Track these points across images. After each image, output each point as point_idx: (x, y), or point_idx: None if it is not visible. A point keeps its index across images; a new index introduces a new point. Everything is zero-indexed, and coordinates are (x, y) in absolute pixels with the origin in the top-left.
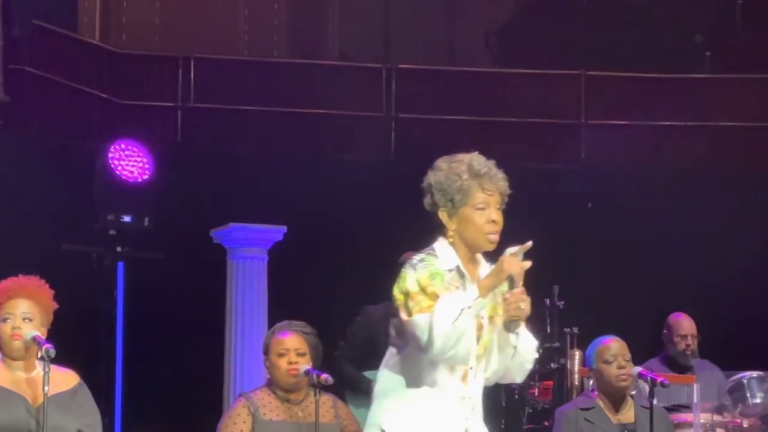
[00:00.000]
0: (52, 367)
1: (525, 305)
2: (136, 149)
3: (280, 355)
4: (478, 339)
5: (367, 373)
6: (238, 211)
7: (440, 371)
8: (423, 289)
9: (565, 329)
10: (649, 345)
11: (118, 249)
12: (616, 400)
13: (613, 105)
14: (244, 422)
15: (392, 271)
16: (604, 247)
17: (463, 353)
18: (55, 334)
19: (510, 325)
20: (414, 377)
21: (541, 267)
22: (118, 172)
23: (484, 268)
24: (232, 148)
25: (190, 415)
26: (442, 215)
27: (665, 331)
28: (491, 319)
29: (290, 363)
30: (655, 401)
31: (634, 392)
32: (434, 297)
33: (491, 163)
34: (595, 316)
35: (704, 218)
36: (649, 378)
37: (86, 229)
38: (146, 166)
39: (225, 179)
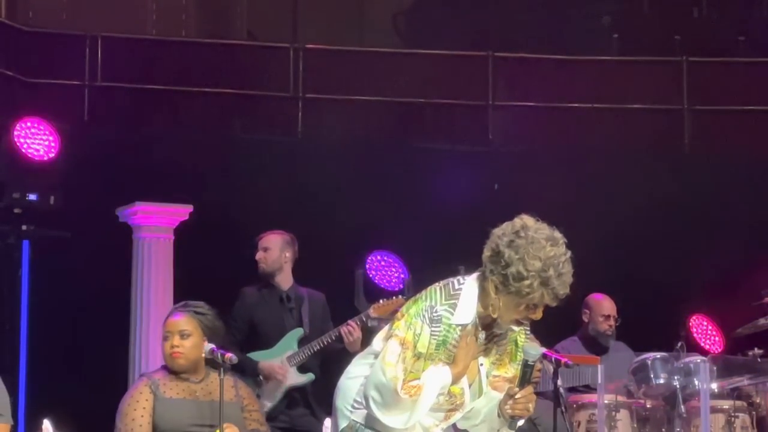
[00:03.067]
0: None
1: (532, 406)
2: (42, 127)
3: (165, 338)
4: (470, 384)
5: (252, 354)
6: (144, 190)
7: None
8: (420, 356)
9: None
10: (558, 325)
11: (23, 227)
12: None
13: (520, 87)
14: (147, 400)
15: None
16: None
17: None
18: None
19: (512, 422)
20: None
21: (448, 248)
22: (23, 151)
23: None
24: (138, 127)
25: (95, 394)
26: (491, 283)
27: (586, 311)
28: (489, 378)
29: (172, 346)
30: (560, 382)
31: None
32: (417, 373)
33: (567, 269)
34: None
35: (612, 199)
36: (553, 359)
37: None
38: (52, 144)
39: (131, 158)
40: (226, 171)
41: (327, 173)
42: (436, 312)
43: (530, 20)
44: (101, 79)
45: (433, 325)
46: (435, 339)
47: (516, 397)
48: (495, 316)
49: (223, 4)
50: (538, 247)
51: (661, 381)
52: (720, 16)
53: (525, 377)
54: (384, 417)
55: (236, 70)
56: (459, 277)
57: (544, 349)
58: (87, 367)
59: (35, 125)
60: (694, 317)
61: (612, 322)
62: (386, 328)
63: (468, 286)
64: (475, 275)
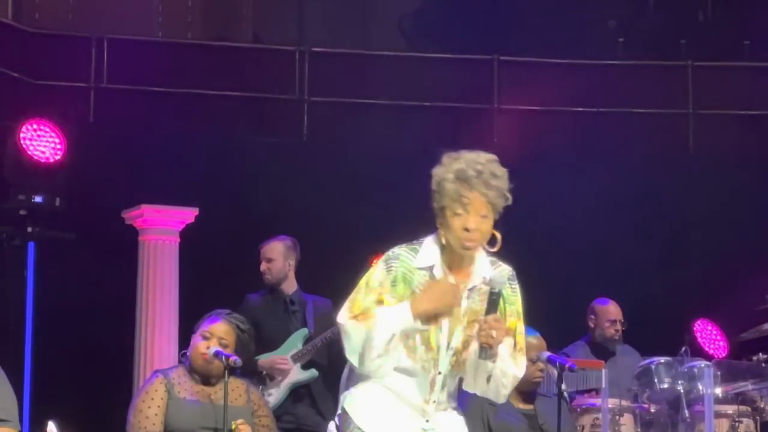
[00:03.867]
0: None
1: (497, 334)
2: (48, 129)
3: (204, 338)
4: (449, 345)
5: (257, 357)
6: (150, 193)
7: (408, 373)
8: (375, 290)
9: None
10: (562, 330)
11: (29, 229)
12: (525, 392)
13: (525, 90)
14: (162, 398)
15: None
16: (514, 232)
17: (385, 368)
18: None
19: (481, 352)
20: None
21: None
22: (29, 152)
23: (480, 269)
24: (144, 129)
25: (100, 396)
26: (435, 210)
27: (592, 317)
28: (467, 339)
29: (208, 348)
30: (565, 386)
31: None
32: (378, 304)
33: (488, 167)
34: None
35: (617, 203)
36: (557, 363)
37: None
38: (58, 146)
39: (137, 160)
40: (232, 174)
41: (332, 176)
42: (393, 252)
43: (536, 24)
44: (107, 81)
45: (390, 261)
46: (391, 273)
47: (479, 321)
48: (443, 239)
49: (229, 7)
50: (459, 153)
51: (665, 386)
52: (725, 20)
53: (491, 306)
54: (349, 354)
55: (242, 73)
56: None
57: (548, 353)
58: (92, 369)
59: (41, 127)
60: (698, 322)
61: (618, 326)
62: None
63: (428, 238)
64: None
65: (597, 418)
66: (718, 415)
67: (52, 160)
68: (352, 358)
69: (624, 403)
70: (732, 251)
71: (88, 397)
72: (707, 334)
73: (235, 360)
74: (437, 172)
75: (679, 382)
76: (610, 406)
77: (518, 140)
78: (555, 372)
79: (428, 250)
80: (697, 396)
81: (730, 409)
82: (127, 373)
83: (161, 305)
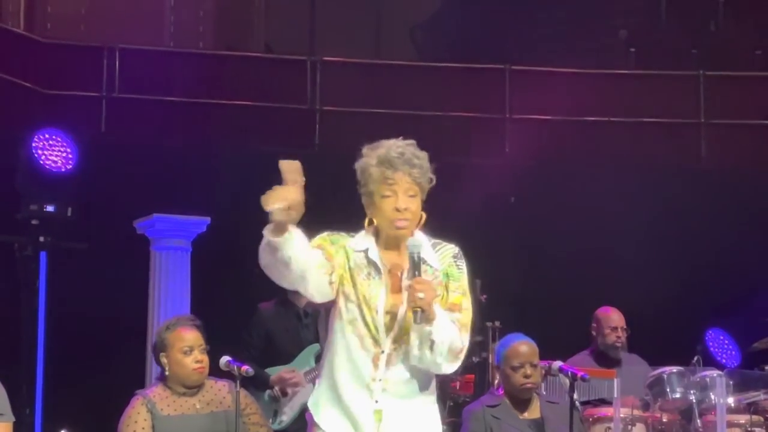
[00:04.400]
0: None
1: (425, 294)
2: (59, 139)
3: (185, 353)
4: (397, 324)
5: (269, 370)
6: (161, 202)
7: (351, 353)
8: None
9: (487, 323)
10: (571, 339)
11: (41, 239)
12: (521, 401)
13: (537, 99)
14: (145, 420)
15: None
16: (526, 241)
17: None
18: None
19: (414, 315)
20: (330, 358)
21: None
22: (41, 162)
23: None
24: (156, 138)
25: (112, 405)
26: (363, 202)
27: (594, 325)
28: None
29: (197, 361)
30: (575, 395)
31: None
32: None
33: (409, 149)
34: (517, 310)
35: (627, 213)
36: (569, 372)
37: (9, 218)
38: (70, 156)
39: (149, 170)
40: (243, 183)
41: (344, 186)
42: (330, 232)
43: (547, 34)
44: (119, 90)
45: (330, 233)
46: (332, 236)
47: (406, 285)
48: (376, 227)
49: (241, 17)
50: (376, 145)
51: (678, 395)
52: (737, 30)
53: (412, 268)
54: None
55: (254, 83)
56: None
57: (560, 363)
58: (104, 379)
59: (53, 137)
60: (710, 331)
61: (620, 333)
62: None
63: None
64: None
65: (609, 428)
66: (731, 424)
67: (63, 170)
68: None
69: (636, 412)
70: (744, 260)
71: (99, 405)
72: (719, 343)
73: (247, 369)
74: (360, 162)
75: (692, 391)
76: (622, 415)
77: (530, 149)
78: (567, 382)
79: (362, 236)
80: (709, 405)
81: (743, 418)
82: (139, 382)
83: (173, 314)
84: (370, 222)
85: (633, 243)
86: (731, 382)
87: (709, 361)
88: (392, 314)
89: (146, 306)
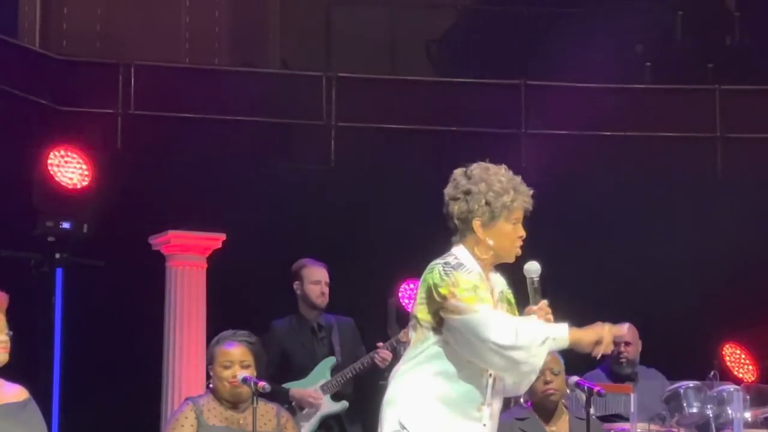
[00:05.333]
0: (3, 380)
1: (551, 317)
2: (75, 156)
3: (225, 367)
4: None
5: (286, 385)
6: (177, 219)
7: (471, 374)
8: (475, 288)
9: None
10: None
11: (57, 255)
12: (547, 412)
13: (552, 114)
14: (192, 425)
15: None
16: (542, 256)
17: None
18: None
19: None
20: (435, 383)
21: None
22: (57, 179)
23: (495, 278)
24: (172, 155)
25: (128, 422)
26: (476, 224)
27: None
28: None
29: (234, 376)
30: (592, 410)
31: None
32: (488, 300)
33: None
34: None
35: (644, 228)
36: (585, 387)
37: (25, 235)
38: (86, 172)
39: (164, 186)
40: (259, 199)
41: (359, 201)
42: (447, 262)
43: (563, 48)
44: (134, 107)
45: (459, 267)
46: (472, 274)
47: (532, 309)
48: (491, 253)
49: (257, 33)
50: (486, 168)
51: (695, 410)
52: (753, 44)
53: (535, 294)
54: (522, 335)
55: (269, 99)
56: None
57: (576, 378)
58: (120, 396)
59: (68, 153)
60: (727, 346)
61: (622, 348)
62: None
63: (456, 249)
64: (454, 246)
65: None
66: None
67: (79, 187)
68: (506, 342)
69: (653, 427)
70: (760, 275)
71: (116, 423)
72: (736, 358)
73: (264, 386)
74: (484, 187)
75: (709, 406)
76: (639, 431)
77: (546, 164)
78: (583, 397)
79: (467, 261)
80: (726, 420)
81: None
82: (155, 399)
83: (189, 331)
84: (462, 235)
85: (649, 257)
86: (748, 397)
87: (726, 376)
88: None
89: (162, 322)
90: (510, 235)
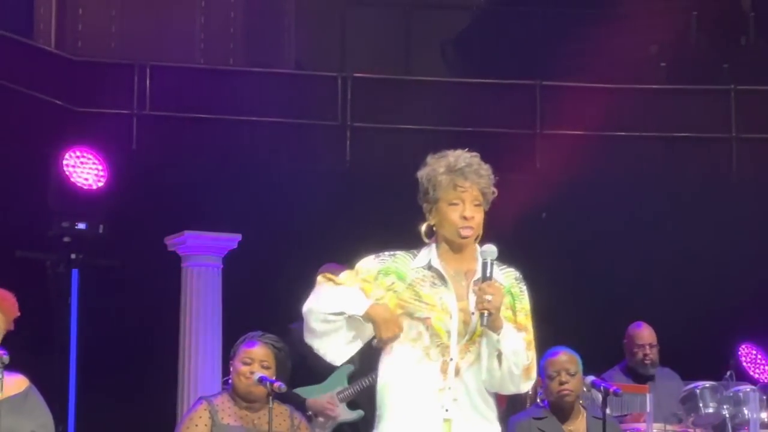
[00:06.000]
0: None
1: (492, 298)
2: (91, 157)
3: (245, 364)
4: (465, 333)
5: (301, 390)
6: (193, 219)
7: (415, 368)
8: (359, 276)
9: None
10: (606, 354)
11: (73, 256)
12: (564, 412)
13: (568, 115)
14: (206, 425)
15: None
16: (557, 257)
17: (331, 351)
18: (8, 340)
19: (482, 318)
20: (390, 370)
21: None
22: (72, 180)
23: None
24: (187, 156)
25: (144, 422)
26: (425, 210)
27: (625, 341)
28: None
29: (252, 373)
30: (608, 410)
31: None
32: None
33: (475, 160)
34: (549, 325)
35: (659, 228)
36: (602, 387)
37: (41, 236)
38: (101, 173)
39: (180, 187)
40: (275, 200)
41: (375, 202)
42: (392, 252)
43: (578, 49)
44: (150, 108)
45: (382, 255)
46: (382, 264)
47: (474, 290)
48: (441, 240)
49: (271, 33)
50: (441, 155)
51: (711, 410)
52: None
53: (483, 273)
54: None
55: (284, 99)
56: None
57: (593, 378)
58: (136, 396)
59: (84, 154)
60: (743, 346)
61: (648, 351)
62: None
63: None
64: None
65: None
66: None
67: (95, 187)
68: (305, 310)
69: (669, 427)
70: None
71: (132, 422)
72: (752, 358)
73: (280, 386)
74: (425, 170)
75: (725, 406)
76: (655, 431)
77: (561, 165)
78: (599, 397)
79: (425, 251)
80: (742, 421)
81: None
82: (170, 398)
83: (204, 331)
84: (429, 229)
85: (665, 257)
86: (764, 397)
87: (742, 376)
88: (460, 321)
89: (178, 323)
90: (448, 216)
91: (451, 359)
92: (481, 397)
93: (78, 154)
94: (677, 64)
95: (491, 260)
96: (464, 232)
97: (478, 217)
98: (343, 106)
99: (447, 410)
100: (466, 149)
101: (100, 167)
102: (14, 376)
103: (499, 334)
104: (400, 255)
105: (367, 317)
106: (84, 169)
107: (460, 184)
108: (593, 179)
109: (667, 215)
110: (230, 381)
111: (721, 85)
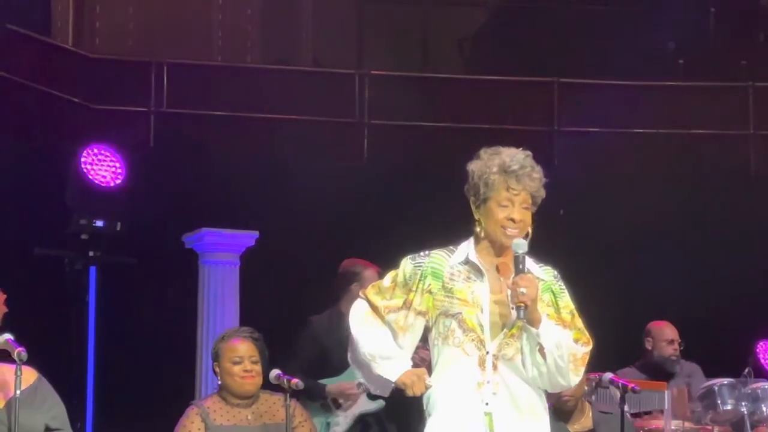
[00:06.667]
0: (10, 366)
1: (527, 290)
2: (108, 154)
3: (235, 363)
4: (503, 326)
5: (322, 381)
6: (210, 216)
7: (452, 365)
8: (404, 288)
9: None
10: (619, 352)
11: (91, 254)
12: (565, 414)
13: (585, 112)
14: (198, 429)
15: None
16: (574, 253)
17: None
18: (26, 338)
19: (517, 311)
20: (434, 365)
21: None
22: (90, 177)
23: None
24: (204, 153)
25: (162, 420)
26: (472, 204)
27: (648, 339)
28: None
29: (246, 371)
30: (626, 407)
31: (592, 397)
32: (394, 307)
33: (528, 161)
34: None
35: (676, 225)
36: (620, 384)
37: (58, 233)
38: (119, 170)
39: (197, 184)
40: (292, 197)
41: (392, 199)
42: (426, 251)
43: (595, 46)
44: (167, 105)
45: (417, 258)
46: (420, 269)
47: (508, 284)
48: (481, 231)
49: (289, 30)
50: (497, 149)
51: (729, 407)
52: None
53: (516, 267)
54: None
55: (302, 96)
56: None
57: (611, 375)
58: (154, 393)
59: (102, 152)
60: (761, 343)
61: (677, 346)
62: None
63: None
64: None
65: None
66: None
67: (112, 185)
68: (352, 332)
69: (687, 425)
70: None
71: (150, 420)
72: None
73: (297, 383)
74: (477, 165)
75: (743, 403)
76: (673, 427)
77: (579, 162)
78: (617, 393)
79: (465, 247)
80: (761, 417)
81: None
82: (189, 396)
83: (222, 329)
84: (478, 224)
85: (682, 254)
86: None
87: (760, 373)
88: (496, 314)
89: (195, 320)
90: (495, 216)
91: (488, 353)
92: (524, 391)
93: (96, 151)
94: (695, 60)
95: (522, 253)
96: (510, 232)
97: (526, 219)
98: (361, 103)
99: (487, 404)
100: (520, 148)
101: (117, 164)
102: (23, 369)
103: (538, 328)
104: (436, 254)
105: (398, 383)
106: (102, 167)
107: (513, 186)
108: (610, 176)
109: (685, 211)
110: (223, 384)
111: (739, 81)
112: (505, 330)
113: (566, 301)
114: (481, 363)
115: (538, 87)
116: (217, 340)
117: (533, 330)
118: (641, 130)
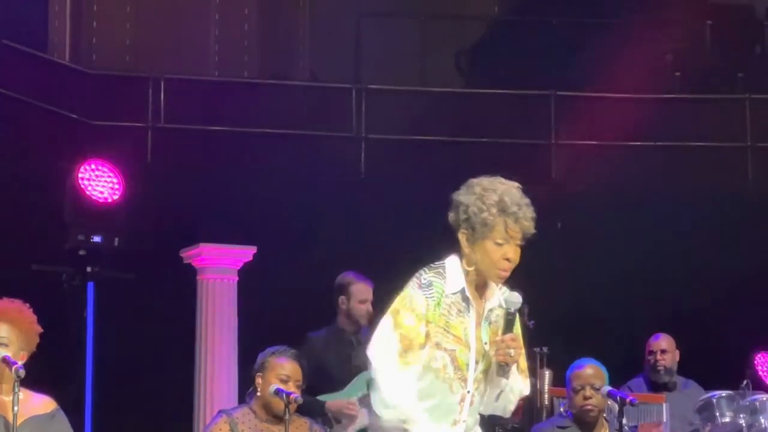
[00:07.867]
0: (32, 392)
1: (514, 352)
2: (106, 169)
3: (282, 381)
4: (477, 363)
5: (322, 397)
6: (208, 231)
7: (438, 400)
8: (421, 318)
9: (534, 349)
10: (621, 364)
11: (88, 269)
12: (587, 425)
13: (583, 125)
14: None
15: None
16: (573, 266)
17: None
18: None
19: (499, 369)
20: (417, 397)
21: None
22: (88, 193)
23: (494, 291)
24: (202, 168)
25: None
26: (461, 237)
27: (646, 350)
28: (488, 358)
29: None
30: (624, 420)
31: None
32: (419, 346)
33: (524, 201)
34: (564, 336)
35: (674, 238)
36: (618, 397)
37: (56, 249)
38: (116, 186)
39: (195, 199)
40: (290, 212)
41: (389, 213)
42: (424, 278)
43: (592, 58)
44: (164, 120)
45: (425, 289)
46: (432, 300)
47: (496, 340)
48: (471, 268)
49: (286, 45)
50: (490, 183)
51: (727, 419)
52: None
53: (507, 325)
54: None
55: (299, 111)
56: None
57: (609, 388)
58: (152, 409)
59: (99, 167)
60: (759, 355)
61: (659, 357)
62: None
63: (449, 260)
64: (452, 254)
65: None
66: None
67: (110, 200)
68: (381, 396)
69: None
70: None
71: None
72: None
73: (296, 398)
74: (470, 200)
75: (741, 415)
76: None
77: (576, 176)
78: (616, 406)
79: (453, 274)
80: (759, 430)
81: None
82: (187, 412)
83: (220, 344)
84: (466, 257)
85: (681, 267)
86: None
87: (759, 385)
88: (475, 351)
89: (193, 335)
90: (491, 255)
91: (468, 392)
92: (474, 421)
93: (93, 167)
94: (692, 73)
95: (515, 311)
96: (502, 274)
97: (517, 256)
98: (358, 117)
99: None
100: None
101: (115, 180)
102: (42, 397)
103: (507, 379)
104: (435, 282)
105: None
106: (99, 182)
107: (511, 227)
108: (608, 189)
109: (682, 224)
110: (256, 394)
111: (736, 94)
112: (480, 367)
113: (518, 331)
114: (462, 401)
115: (535, 100)
116: (266, 353)
117: (503, 380)
118: (638, 143)
